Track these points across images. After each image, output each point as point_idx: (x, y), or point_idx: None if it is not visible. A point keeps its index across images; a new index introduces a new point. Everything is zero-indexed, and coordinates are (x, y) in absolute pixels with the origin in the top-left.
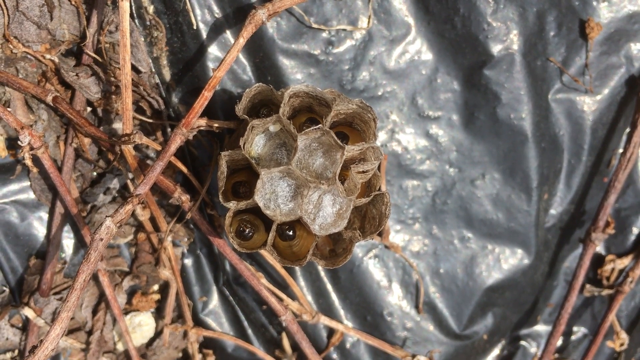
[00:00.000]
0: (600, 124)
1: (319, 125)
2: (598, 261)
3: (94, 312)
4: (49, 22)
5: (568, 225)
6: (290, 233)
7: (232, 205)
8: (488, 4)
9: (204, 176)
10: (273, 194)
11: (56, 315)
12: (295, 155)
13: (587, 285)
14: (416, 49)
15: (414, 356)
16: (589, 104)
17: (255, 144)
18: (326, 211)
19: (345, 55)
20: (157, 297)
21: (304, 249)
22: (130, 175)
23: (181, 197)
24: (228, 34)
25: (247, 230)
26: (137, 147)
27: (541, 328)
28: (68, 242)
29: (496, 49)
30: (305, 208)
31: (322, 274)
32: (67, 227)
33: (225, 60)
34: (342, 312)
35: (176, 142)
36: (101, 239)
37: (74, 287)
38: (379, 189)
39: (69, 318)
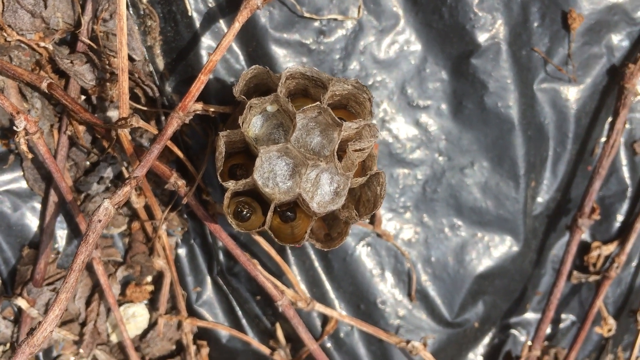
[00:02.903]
0: (584, 113)
1: (317, 103)
2: (584, 249)
3: (88, 303)
4: (43, 11)
5: (555, 213)
6: (291, 214)
7: (231, 184)
8: None
9: (198, 164)
10: (271, 173)
11: (54, 298)
12: (294, 134)
13: (575, 272)
14: (405, 39)
15: (408, 342)
16: (573, 93)
17: (253, 125)
18: (324, 189)
19: (336, 45)
20: (150, 288)
21: (302, 231)
22: (125, 163)
23: (177, 182)
24: (221, 23)
25: (245, 211)
26: (131, 137)
27: (530, 316)
28: (61, 232)
29: (483, 38)
30: (304, 186)
31: (316, 263)
32: (60, 218)
33: (221, 44)
34: (336, 302)
35: (173, 126)
36: (99, 221)
37: (72, 268)
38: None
39: (67, 299)
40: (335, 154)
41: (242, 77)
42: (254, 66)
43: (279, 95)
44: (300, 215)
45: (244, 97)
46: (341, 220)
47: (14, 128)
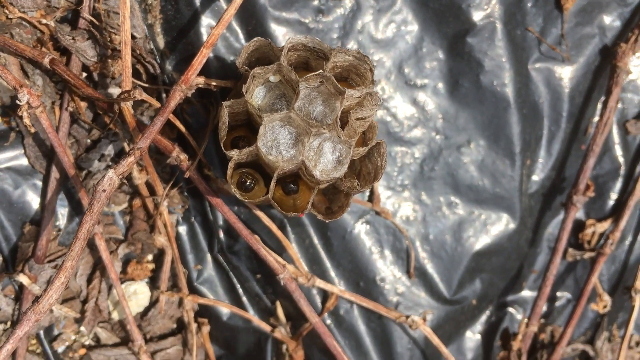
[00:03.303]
0: (577, 92)
1: (320, 71)
2: (579, 227)
3: (89, 281)
4: None
5: (550, 192)
6: (294, 187)
7: (235, 153)
8: None
9: (198, 143)
10: (275, 142)
11: (60, 265)
12: (297, 102)
13: (570, 250)
14: (402, 18)
15: (407, 317)
16: (566, 73)
17: (256, 95)
18: (326, 158)
19: (334, 24)
20: (151, 266)
21: (304, 203)
22: (127, 139)
23: (179, 156)
24: (221, 2)
25: (249, 181)
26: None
27: (527, 294)
28: (62, 210)
29: (478, 16)
30: (307, 155)
31: (316, 241)
32: (61, 196)
33: (223, 18)
34: (335, 279)
35: (175, 99)
36: (104, 190)
37: (78, 236)
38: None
39: (73, 267)
40: (338, 121)
41: (245, 49)
42: (256, 38)
43: (282, 64)
44: (302, 187)
45: (246, 67)
46: (342, 193)
47: (17, 102)
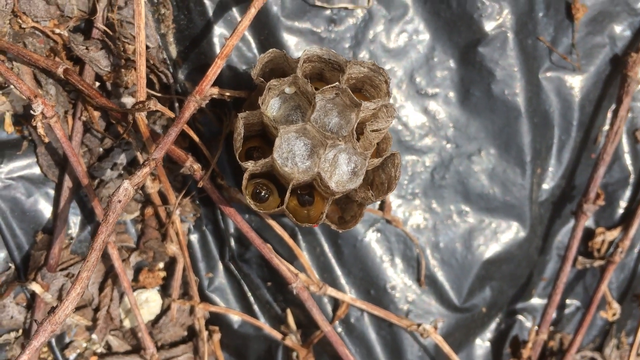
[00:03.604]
0: (587, 101)
1: (336, 84)
2: (588, 235)
3: (101, 289)
4: None
5: (559, 200)
6: (310, 198)
7: (250, 165)
8: None
9: (211, 152)
10: (290, 153)
11: (76, 276)
12: (313, 113)
13: (580, 258)
14: (414, 28)
15: (419, 325)
16: (577, 82)
17: (271, 107)
18: (342, 169)
19: (346, 34)
20: (163, 274)
21: (317, 213)
22: (140, 148)
23: (193, 165)
24: (234, 12)
25: (263, 192)
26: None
27: (536, 302)
28: (74, 219)
29: (490, 26)
30: (322, 166)
31: (327, 249)
32: (73, 204)
33: (237, 29)
34: (346, 287)
35: (190, 109)
36: (119, 201)
37: (93, 247)
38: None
39: (88, 278)
40: (354, 133)
41: (260, 60)
42: (271, 49)
43: (298, 76)
44: (316, 197)
45: (262, 79)
46: (354, 203)
47: (31, 112)
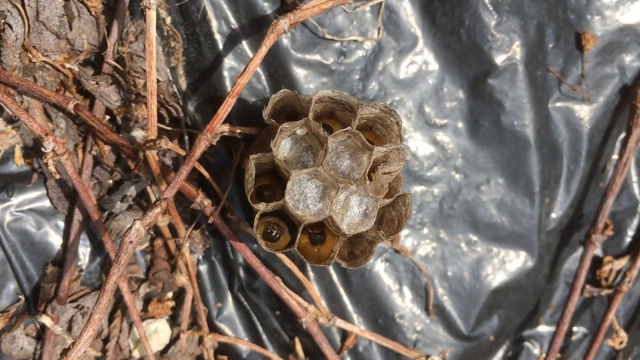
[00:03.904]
0: (597, 131)
1: (347, 128)
2: (596, 263)
3: (110, 319)
4: (68, 32)
5: (567, 229)
6: (321, 236)
7: (262, 207)
8: (492, 17)
9: (220, 183)
10: (302, 195)
11: (88, 317)
12: (325, 157)
13: (587, 286)
14: (423, 59)
15: (427, 357)
16: (586, 112)
17: (282, 147)
18: (353, 211)
19: (356, 65)
20: (172, 304)
21: (327, 251)
22: (149, 181)
23: (203, 202)
24: (244, 44)
25: (275, 232)
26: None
27: (543, 329)
28: (83, 249)
29: (500, 59)
30: (333, 208)
31: (335, 278)
32: (82, 235)
33: (248, 67)
34: (354, 316)
35: (201, 147)
36: (131, 242)
37: (105, 289)
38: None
39: (100, 320)
40: (366, 177)
41: (271, 101)
42: (282, 90)
43: (310, 120)
44: (328, 236)
45: (273, 120)
46: (364, 239)
47: (42, 149)
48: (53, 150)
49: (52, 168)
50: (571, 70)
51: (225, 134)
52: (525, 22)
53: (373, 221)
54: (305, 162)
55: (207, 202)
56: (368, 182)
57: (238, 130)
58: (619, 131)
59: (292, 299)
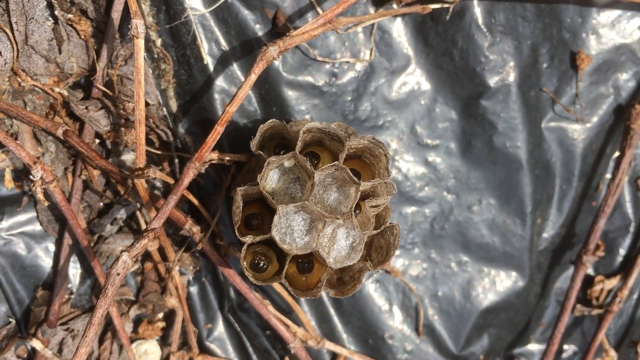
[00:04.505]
0: (590, 151)
1: (335, 162)
2: (587, 282)
3: (101, 341)
4: (57, 56)
5: (559, 248)
6: (309, 266)
7: (249, 239)
8: (485, 38)
9: (210, 205)
10: (289, 228)
11: (75, 351)
12: (312, 191)
13: (578, 306)
14: (416, 80)
15: None
16: (579, 132)
17: (270, 178)
18: (340, 244)
19: (348, 87)
20: (162, 324)
21: (315, 279)
22: (139, 204)
23: (192, 228)
24: (235, 67)
25: (262, 263)
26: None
27: (534, 347)
28: (74, 272)
29: (493, 80)
30: (320, 242)
31: (325, 299)
32: (73, 257)
33: (237, 95)
34: (344, 336)
35: (189, 176)
36: (118, 274)
37: (92, 322)
38: (389, 222)
39: (87, 353)
40: (353, 212)
41: (259, 131)
42: (270, 120)
43: (297, 153)
44: (316, 264)
45: (260, 152)
46: (353, 267)
47: (31, 177)
48: (42, 178)
49: (40, 196)
50: (565, 90)
51: (214, 161)
52: (519, 42)
53: (360, 255)
54: (293, 194)
55: (195, 228)
56: (354, 217)
57: (227, 158)
58: (612, 150)
59: (281, 324)
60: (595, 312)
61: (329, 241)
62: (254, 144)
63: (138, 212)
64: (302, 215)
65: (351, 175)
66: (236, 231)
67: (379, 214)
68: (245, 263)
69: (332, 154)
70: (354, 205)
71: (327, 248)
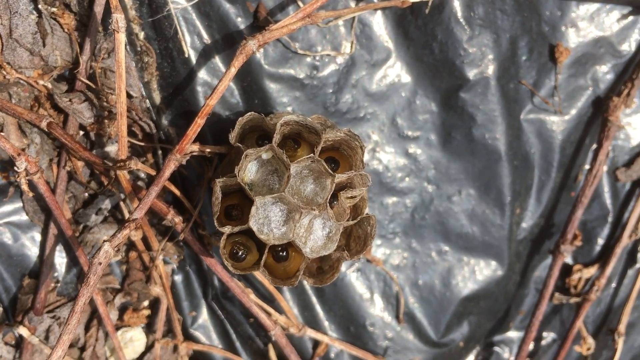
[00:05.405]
0: (569, 143)
1: (311, 155)
2: (566, 271)
3: (87, 328)
4: (41, 49)
5: (538, 237)
6: (284, 254)
7: (227, 229)
8: (464, 31)
9: (193, 195)
10: (266, 219)
11: (57, 338)
12: (288, 183)
13: (556, 294)
14: (396, 72)
15: None
16: (558, 124)
17: (248, 170)
18: (317, 234)
19: (329, 79)
20: (147, 312)
21: (294, 268)
22: (123, 195)
23: (174, 218)
24: (217, 60)
25: (241, 252)
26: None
27: (513, 334)
28: (60, 260)
29: (472, 73)
30: (297, 232)
31: (308, 287)
32: (59, 247)
33: (217, 88)
34: (326, 324)
35: (170, 168)
36: (100, 263)
37: (75, 310)
38: (366, 213)
39: (69, 340)
40: (328, 203)
41: (238, 123)
42: (249, 113)
43: (274, 146)
44: (293, 253)
45: (239, 144)
46: (331, 256)
47: (15, 169)
48: (26, 170)
49: (25, 187)
50: (544, 82)
51: (195, 153)
52: (498, 35)
53: (336, 245)
54: (271, 185)
55: (178, 219)
56: (330, 208)
57: (208, 150)
58: (591, 141)
59: (262, 312)
60: (574, 300)
61: (306, 231)
62: (232, 136)
63: (122, 203)
64: (280, 206)
65: (327, 167)
66: (215, 221)
67: (356, 205)
68: (225, 252)
69: (311, 147)
70: (330, 196)
71: (303, 238)
